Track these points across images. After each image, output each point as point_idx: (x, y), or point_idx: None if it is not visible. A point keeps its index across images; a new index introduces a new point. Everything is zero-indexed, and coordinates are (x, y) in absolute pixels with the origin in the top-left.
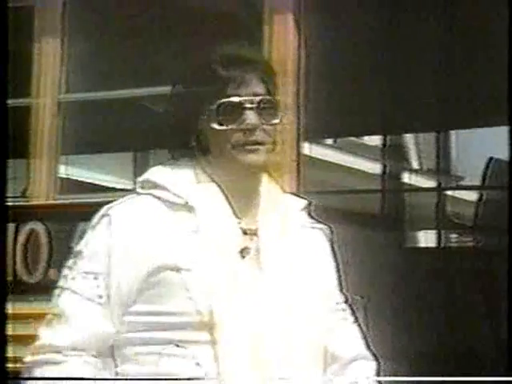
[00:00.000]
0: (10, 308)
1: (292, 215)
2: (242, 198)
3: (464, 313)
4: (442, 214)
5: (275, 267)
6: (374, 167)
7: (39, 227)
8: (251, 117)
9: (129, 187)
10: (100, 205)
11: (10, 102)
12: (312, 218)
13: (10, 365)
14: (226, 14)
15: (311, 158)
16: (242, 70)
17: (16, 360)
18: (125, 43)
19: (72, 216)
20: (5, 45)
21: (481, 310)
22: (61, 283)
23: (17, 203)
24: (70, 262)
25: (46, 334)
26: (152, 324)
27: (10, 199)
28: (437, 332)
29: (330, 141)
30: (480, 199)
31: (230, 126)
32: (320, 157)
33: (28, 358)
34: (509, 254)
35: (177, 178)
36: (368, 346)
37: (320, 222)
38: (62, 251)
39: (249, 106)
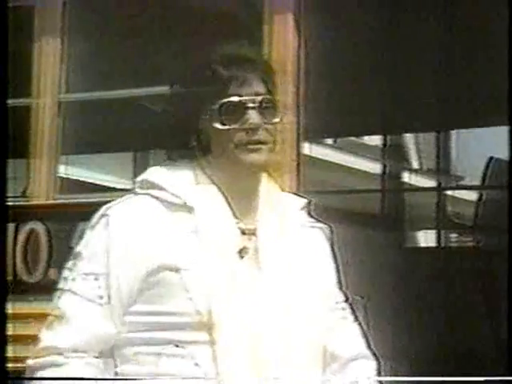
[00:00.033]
0: (10, 308)
1: (291, 214)
2: (242, 198)
3: (464, 313)
4: (442, 214)
5: (274, 267)
6: (374, 167)
7: (39, 227)
8: (254, 116)
9: (129, 187)
10: (100, 205)
11: (10, 101)
12: (311, 217)
13: (10, 365)
14: (226, 14)
15: (311, 157)
16: (242, 69)
17: (16, 360)
18: (125, 43)
19: (72, 216)
20: (5, 45)
21: (481, 310)
22: (61, 285)
23: (17, 203)
24: (69, 264)
25: (47, 337)
26: (151, 324)
27: (10, 199)
28: (437, 332)
29: (330, 141)
30: (480, 199)
31: (232, 126)
32: (320, 157)
33: (30, 361)
34: (509, 253)
35: (175, 178)
36: (368, 346)
37: (319, 221)
38: (61, 251)
39: (251, 105)
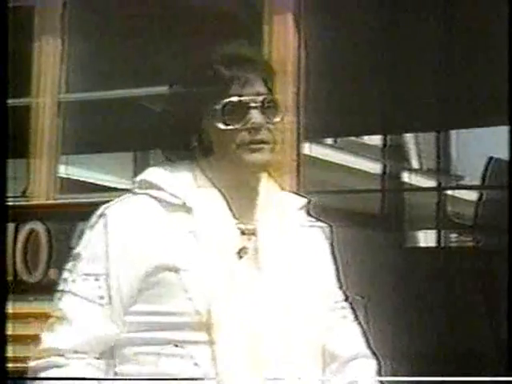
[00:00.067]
0: (10, 308)
1: (291, 214)
2: (241, 198)
3: (464, 313)
4: (442, 214)
5: (273, 267)
6: (374, 167)
7: (39, 227)
8: (256, 116)
9: (129, 187)
10: (100, 205)
11: (10, 101)
12: (311, 216)
13: (10, 365)
14: (226, 14)
15: (311, 157)
16: (243, 69)
17: (16, 360)
18: (125, 43)
19: (72, 216)
20: (5, 45)
21: (481, 310)
22: (61, 286)
23: (17, 203)
24: (69, 265)
25: (48, 338)
26: (151, 324)
27: (10, 199)
28: (437, 332)
29: (330, 141)
30: (480, 199)
31: (235, 126)
32: (320, 157)
33: (31, 363)
34: (509, 253)
35: (174, 179)
36: (368, 345)
37: (319, 221)
38: (61, 251)
39: (253, 105)
